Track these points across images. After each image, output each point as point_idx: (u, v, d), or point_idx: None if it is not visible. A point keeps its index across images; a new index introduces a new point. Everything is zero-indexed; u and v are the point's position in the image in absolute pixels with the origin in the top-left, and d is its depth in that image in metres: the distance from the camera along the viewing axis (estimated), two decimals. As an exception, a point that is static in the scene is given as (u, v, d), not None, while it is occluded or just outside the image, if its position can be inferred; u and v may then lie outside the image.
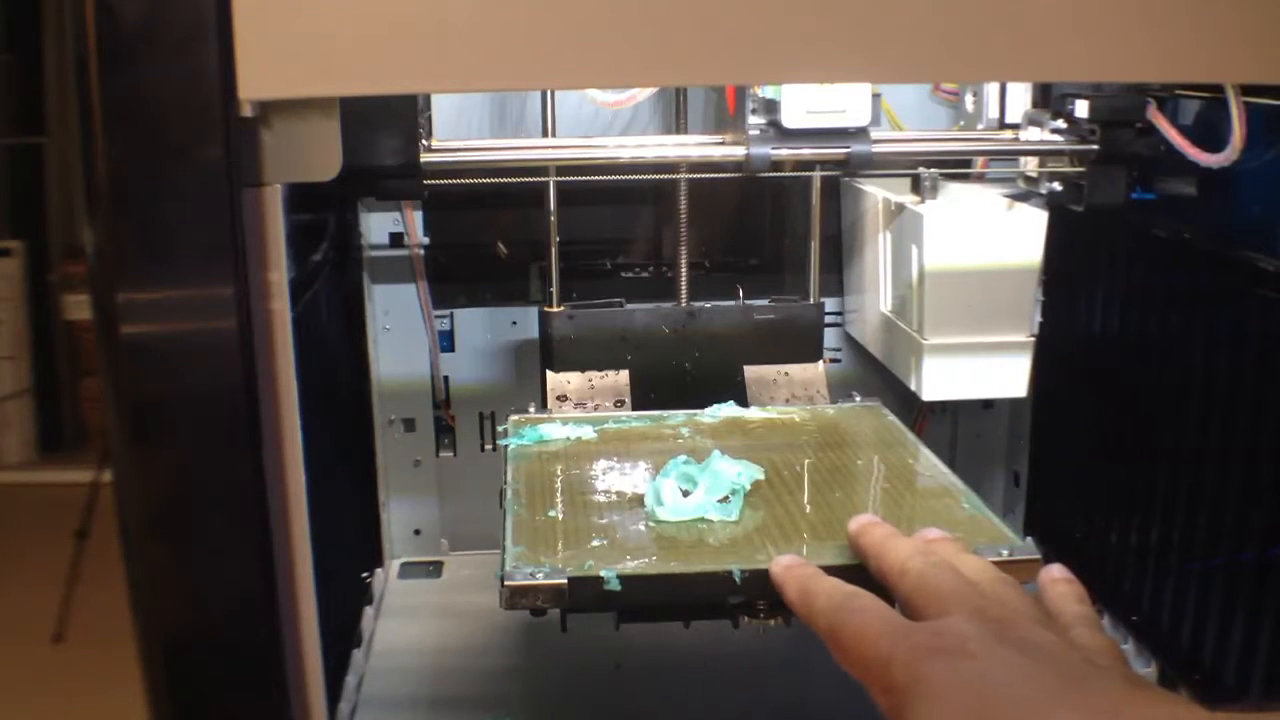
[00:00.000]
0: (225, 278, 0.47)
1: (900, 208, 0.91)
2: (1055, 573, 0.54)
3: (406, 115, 0.77)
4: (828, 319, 1.00)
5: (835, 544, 0.64)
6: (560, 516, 0.68)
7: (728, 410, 0.86)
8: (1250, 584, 0.75)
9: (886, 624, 0.47)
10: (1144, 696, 0.40)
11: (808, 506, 0.70)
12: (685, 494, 0.69)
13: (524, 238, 1.00)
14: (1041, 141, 0.85)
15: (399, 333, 1.04)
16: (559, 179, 0.91)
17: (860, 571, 0.63)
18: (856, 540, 0.58)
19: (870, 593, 0.50)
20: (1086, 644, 0.47)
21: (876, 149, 0.81)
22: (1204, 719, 0.38)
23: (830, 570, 0.62)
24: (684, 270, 0.95)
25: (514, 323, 1.05)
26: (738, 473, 0.70)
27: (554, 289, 0.93)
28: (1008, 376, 0.90)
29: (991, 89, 0.89)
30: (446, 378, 1.06)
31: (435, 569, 1.06)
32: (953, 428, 1.10)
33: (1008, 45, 0.49)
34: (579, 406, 0.90)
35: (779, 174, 0.88)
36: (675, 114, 0.94)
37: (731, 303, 0.96)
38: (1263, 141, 0.72)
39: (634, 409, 0.89)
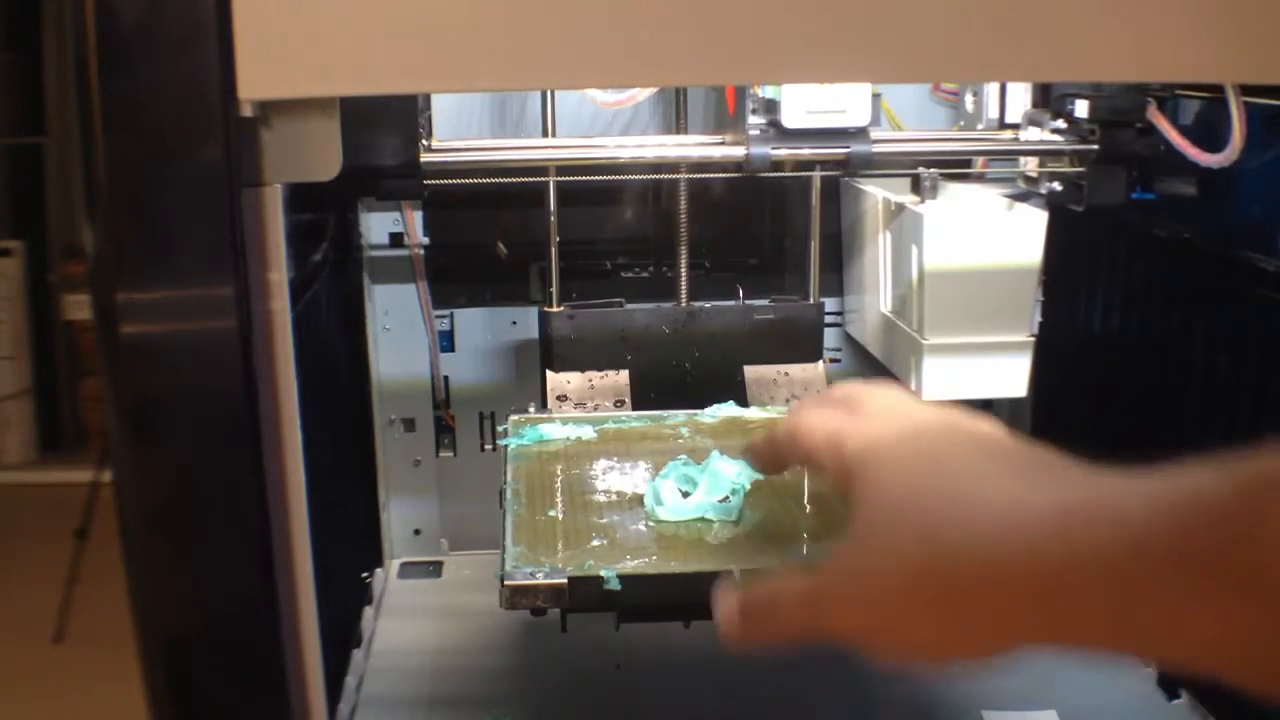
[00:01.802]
0: (225, 278, 0.47)
1: (900, 208, 0.91)
2: None
3: (406, 115, 0.77)
4: (828, 319, 1.00)
5: (835, 544, 0.64)
6: (560, 516, 0.68)
7: (728, 410, 0.86)
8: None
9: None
10: (1081, 468, 0.41)
11: (808, 506, 0.70)
12: (685, 494, 0.69)
13: (524, 238, 1.00)
14: (1041, 141, 0.85)
15: (399, 333, 1.04)
16: (559, 179, 0.91)
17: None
18: (765, 449, 0.53)
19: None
20: None
21: (876, 149, 0.81)
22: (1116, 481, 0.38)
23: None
24: (684, 270, 0.95)
25: (514, 323, 1.05)
26: (737, 472, 0.70)
27: (554, 289, 0.93)
28: (1008, 376, 0.90)
29: (991, 89, 0.89)
30: (446, 378, 1.05)
31: (435, 569, 1.06)
32: (953, 428, 1.09)
33: (1008, 45, 0.49)
34: (579, 406, 0.90)
35: (779, 174, 0.88)
36: (675, 114, 0.94)
37: (731, 303, 0.96)
38: (1263, 141, 0.72)
39: (634, 409, 0.89)
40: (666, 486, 0.69)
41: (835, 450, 0.46)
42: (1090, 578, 0.36)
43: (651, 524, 0.67)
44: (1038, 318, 0.92)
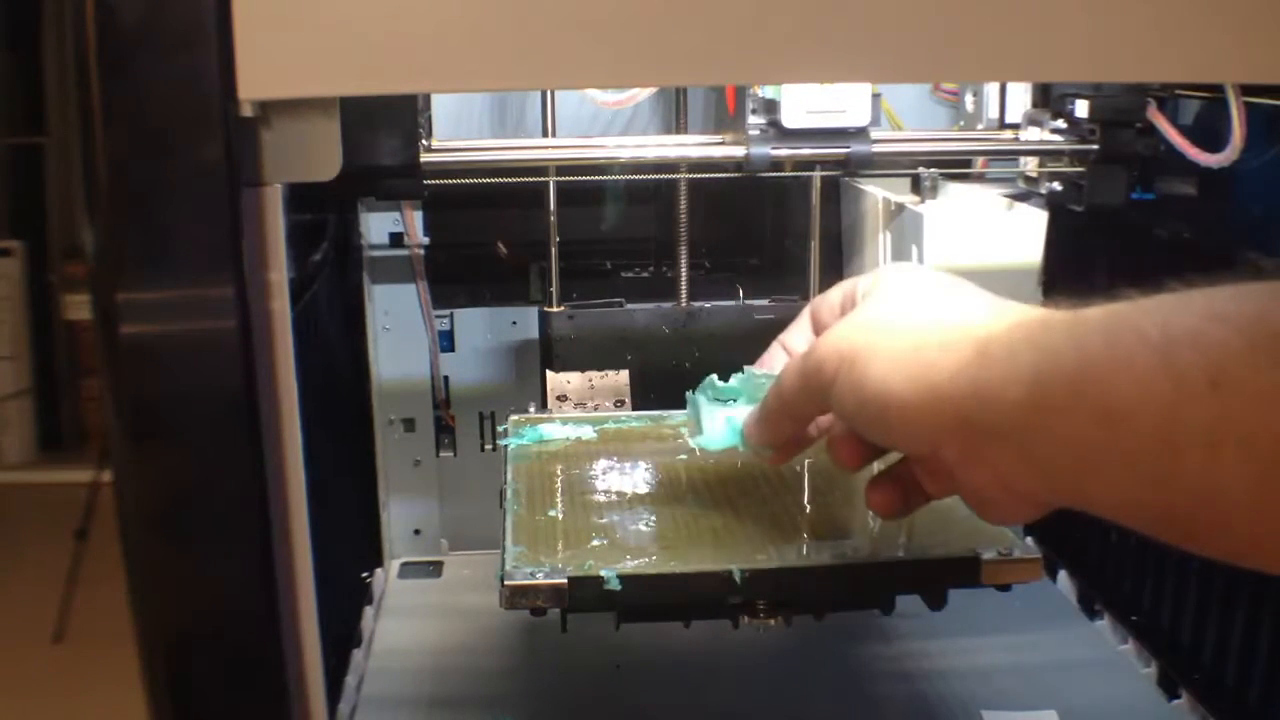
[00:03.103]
0: (225, 278, 0.47)
1: (900, 208, 0.91)
2: None
3: (406, 115, 0.77)
4: (828, 319, 1.00)
5: (835, 544, 0.64)
6: (560, 516, 0.68)
7: (728, 410, 0.86)
8: (1250, 584, 0.75)
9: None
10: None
11: (808, 506, 0.70)
12: (726, 403, 0.64)
13: (524, 238, 1.00)
14: (1041, 141, 0.85)
15: (399, 333, 1.04)
16: (559, 179, 0.91)
17: (858, 570, 0.63)
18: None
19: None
20: None
21: (876, 149, 0.81)
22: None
23: (827, 571, 0.63)
24: (684, 270, 0.95)
25: (514, 323, 1.05)
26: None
27: (554, 289, 0.93)
28: (1008, 376, 0.90)
29: (991, 89, 0.89)
30: (446, 378, 1.05)
31: (435, 569, 1.06)
32: (953, 428, 1.09)
33: (1008, 45, 0.49)
34: (579, 406, 0.90)
35: (779, 174, 0.88)
36: (675, 114, 0.94)
37: (731, 303, 0.96)
38: (1263, 141, 0.72)
39: (634, 409, 0.89)
40: (707, 409, 0.64)
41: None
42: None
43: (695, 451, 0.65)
44: (1038, 318, 0.92)
